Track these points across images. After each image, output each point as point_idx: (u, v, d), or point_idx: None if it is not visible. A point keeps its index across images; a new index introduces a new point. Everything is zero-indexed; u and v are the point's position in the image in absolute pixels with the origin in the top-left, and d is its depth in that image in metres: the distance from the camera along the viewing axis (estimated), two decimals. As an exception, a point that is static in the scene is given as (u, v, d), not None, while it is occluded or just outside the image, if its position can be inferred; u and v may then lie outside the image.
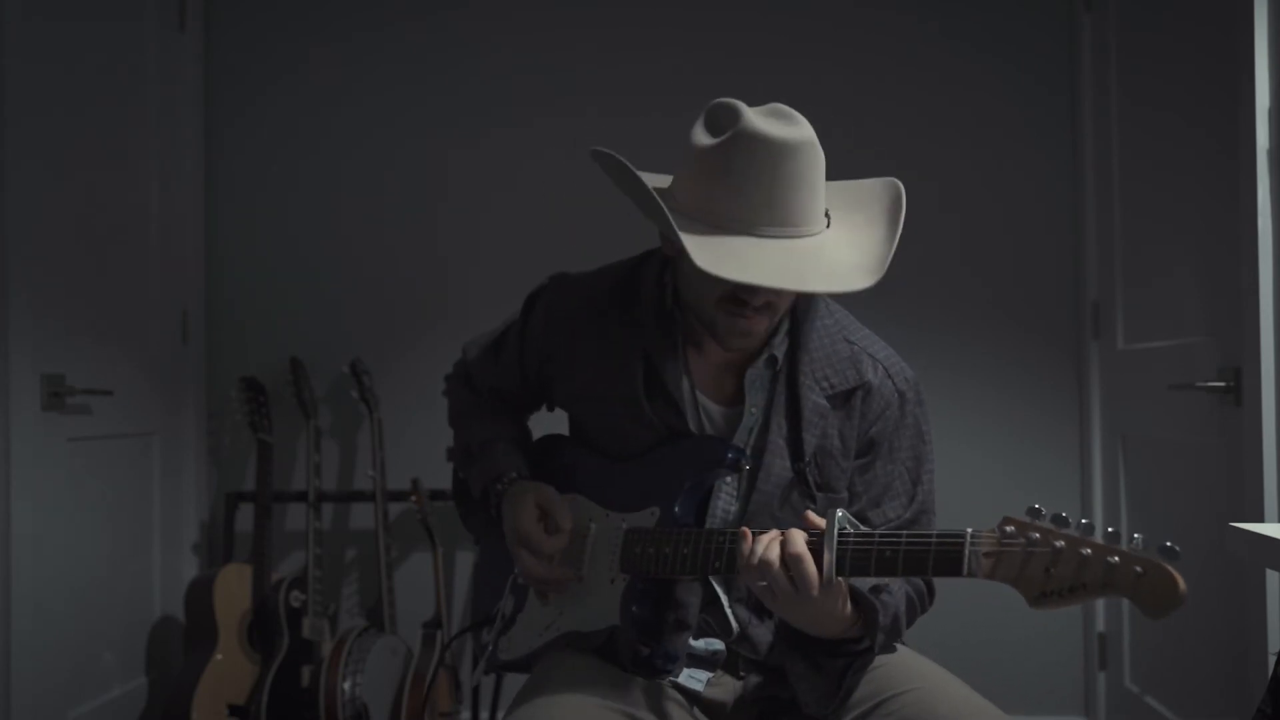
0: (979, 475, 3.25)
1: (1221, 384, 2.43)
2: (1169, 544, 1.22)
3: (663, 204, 1.48)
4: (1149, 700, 2.95)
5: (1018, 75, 3.37)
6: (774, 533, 1.45)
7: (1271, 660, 2.04)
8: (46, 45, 2.69)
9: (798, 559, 1.40)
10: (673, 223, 1.47)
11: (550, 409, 1.88)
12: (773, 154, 1.45)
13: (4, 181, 2.53)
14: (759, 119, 1.48)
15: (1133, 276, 3.05)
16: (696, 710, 1.62)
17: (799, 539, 1.42)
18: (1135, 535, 1.25)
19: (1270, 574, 2.26)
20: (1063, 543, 1.27)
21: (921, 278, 3.34)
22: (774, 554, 1.42)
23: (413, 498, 3.24)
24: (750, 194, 1.46)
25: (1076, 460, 3.33)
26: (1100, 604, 3.23)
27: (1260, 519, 2.24)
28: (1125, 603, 1.68)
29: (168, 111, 3.25)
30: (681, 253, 1.48)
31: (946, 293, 3.36)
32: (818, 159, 1.49)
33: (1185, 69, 2.70)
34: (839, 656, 1.54)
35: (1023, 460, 3.34)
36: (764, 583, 1.43)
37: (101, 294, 2.97)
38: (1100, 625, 3.24)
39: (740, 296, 1.51)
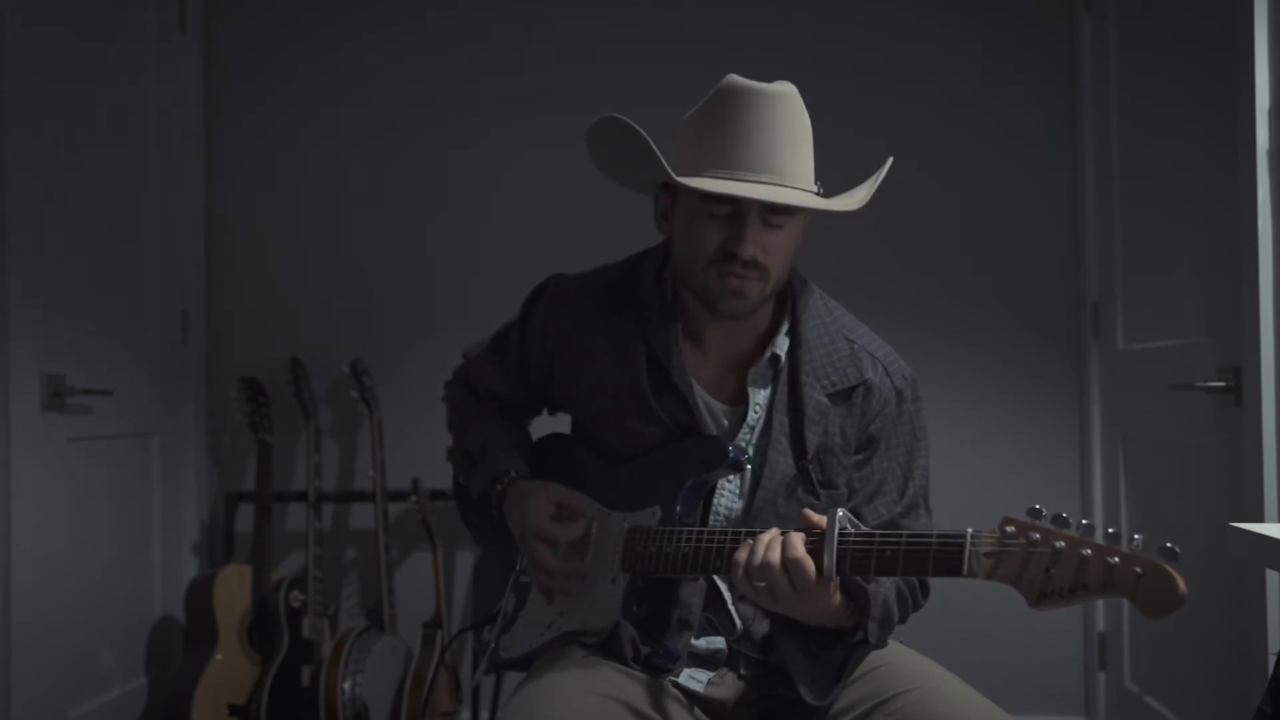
0: (979, 475, 3.25)
1: (1221, 384, 2.43)
2: (1169, 545, 1.22)
3: (655, 148, 1.54)
4: (1149, 700, 2.95)
5: (1018, 75, 3.37)
6: (773, 533, 1.46)
7: (1271, 660, 2.04)
8: (47, 45, 2.69)
9: (797, 563, 1.42)
10: (663, 161, 1.53)
11: (552, 413, 1.88)
12: (752, 98, 1.53)
13: (4, 181, 2.53)
14: (743, 78, 1.56)
15: (1133, 276, 3.05)
16: (697, 709, 1.62)
17: (798, 542, 1.43)
18: (1135, 536, 1.25)
19: (1270, 574, 2.26)
20: (1063, 543, 1.27)
21: (921, 277, 3.35)
22: (775, 556, 1.43)
23: (413, 498, 3.24)
24: (732, 136, 1.53)
25: (1076, 460, 3.33)
26: (1100, 604, 3.23)
27: (1260, 519, 2.24)
28: (1125, 602, 1.67)
29: (167, 111, 3.25)
30: (674, 191, 1.59)
31: (946, 292, 3.36)
32: (798, 108, 1.56)
33: (1185, 68, 2.70)
34: (835, 649, 1.55)
35: (1023, 460, 3.34)
36: (763, 584, 1.44)
37: (101, 294, 2.97)
38: (1100, 625, 3.24)
39: (729, 250, 1.54)
